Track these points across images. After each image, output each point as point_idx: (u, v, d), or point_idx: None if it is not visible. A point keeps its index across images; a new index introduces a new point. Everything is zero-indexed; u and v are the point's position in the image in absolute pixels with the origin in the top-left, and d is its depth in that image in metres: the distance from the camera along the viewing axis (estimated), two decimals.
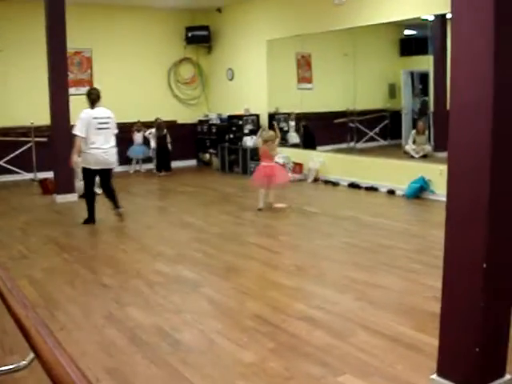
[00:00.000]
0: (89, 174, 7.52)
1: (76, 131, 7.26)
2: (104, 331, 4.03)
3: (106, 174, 7.59)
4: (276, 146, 8.37)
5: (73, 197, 9.22)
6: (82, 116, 7.30)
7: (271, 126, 8.91)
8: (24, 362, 1.72)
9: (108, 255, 6.16)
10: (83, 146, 7.26)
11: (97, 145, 7.26)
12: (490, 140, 2.67)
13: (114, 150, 7.52)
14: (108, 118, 7.45)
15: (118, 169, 12.53)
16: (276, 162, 8.85)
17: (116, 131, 7.65)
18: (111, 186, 7.68)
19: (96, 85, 12.39)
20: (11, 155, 11.50)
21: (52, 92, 9.22)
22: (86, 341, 3.87)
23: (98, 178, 7.81)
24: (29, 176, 11.63)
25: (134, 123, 12.61)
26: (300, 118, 12.01)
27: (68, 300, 4.71)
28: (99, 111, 7.38)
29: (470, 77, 2.75)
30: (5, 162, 11.51)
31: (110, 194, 7.68)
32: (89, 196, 7.63)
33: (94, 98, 7.43)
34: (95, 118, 7.28)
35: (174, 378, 3.32)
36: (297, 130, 12.11)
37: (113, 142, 7.46)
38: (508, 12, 2.63)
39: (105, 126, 7.34)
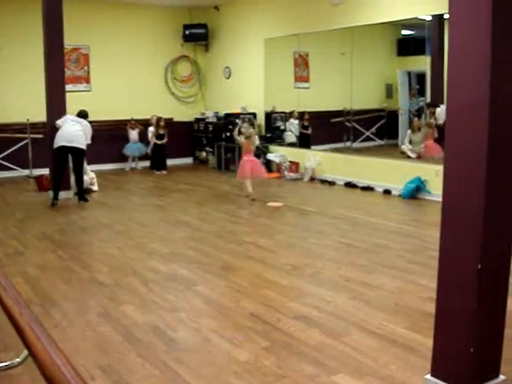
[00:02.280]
0: (56, 154, 8.79)
1: (57, 122, 8.95)
2: (99, 329, 4.02)
3: (74, 156, 8.82)
4: (255, 142, 9.25)
5: (68, 194, 9.20)
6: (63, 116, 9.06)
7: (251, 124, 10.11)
8: (18, 360, 1.71)
9: (103, 253, 6.15)
10: None
11: (62, 127, 8.77)
12: (486, 141, 2.67)
13: (78, 133, 8.75)
14: (81, 121, 8.93)
15: (113, 166, 12.69)
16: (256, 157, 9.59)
17: (88, 140, 8.94)
18: (80, 174, 8.94)
19: (93, 81, 12.48)
20: (7, 152, 11.50)
21: (48, 89, 9.20)
22: (80, 338, 3.86)
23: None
24: (24, 172, 11.62)
25: (128, 121, 12.59)
26: (297, 117, 12.03)
27: (63, 297, 4.70)
28: (76, 117, 9.03)
29: (467, 78, 2.75)
30: (0, 159, 11.49)
31: (78, 181, 8.96)
32: (55, 178, 8.88)
33: (78, 113, 9.11)
34: (71, 120, 8.93)
35: (168, 376, 3.31)
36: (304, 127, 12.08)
37: (79, 130, 8.78)
38: (505, 12, 2.64)
39: (75, 122, 8.87)
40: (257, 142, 9.36)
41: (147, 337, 3.87)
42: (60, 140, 8.67)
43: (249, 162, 9.12)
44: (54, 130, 8.85)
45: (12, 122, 11.40)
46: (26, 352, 1.50)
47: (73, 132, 8.71)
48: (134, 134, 12.65)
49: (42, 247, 6.39)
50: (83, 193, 9.05)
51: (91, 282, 5.12)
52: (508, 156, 2.79)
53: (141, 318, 4.21)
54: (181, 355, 3.58)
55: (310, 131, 11.92)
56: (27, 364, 1.69)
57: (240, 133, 9.48)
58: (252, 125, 10.34)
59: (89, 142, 8.97)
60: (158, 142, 12.24)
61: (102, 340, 3.83)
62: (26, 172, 11.59)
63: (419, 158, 9.76)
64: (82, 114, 9.12)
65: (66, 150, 8.71)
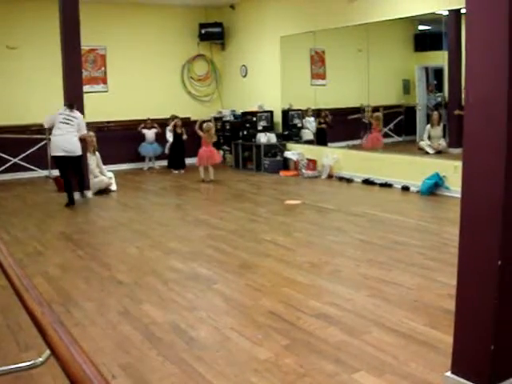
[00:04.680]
0: (57, 162, 8.89)
1: (44, 123, 9.18)
2: (119, 328, 4.05)
3: (72, 163, 8.83)
4: (213, 135, 11.03)
5: (87, 194, 9.27)
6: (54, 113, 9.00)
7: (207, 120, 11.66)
8: (40, 359, 1.73)
9: (122, 252, 6.19)
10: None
11: (56, 133, 8.73)
12: (505, 135, 2.65)
13: (72, 139, 8.74)
14: (73, 117, 8.85)
15: (131, 166, 12.76)
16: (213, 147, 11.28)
17: (83, 132, 8.97)
18: (82, 175, 9.12)
19: (110, 82, 12.56)
20: (26, 152, 11.61)
21: (66, 90, 9.28)
22: (101, 337, 3.89)
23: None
24: (44, 173, 11.72)
25: (143, 121, 12.63)
26: (314, 114, 12.03)
27: (83, 296, 4.74)
28: (67, 111, 8.88)
29: (485, 72, 2.73)
30: (20, 160, 11.60)
31: (80, 181, 9.10)
32: (65, 182, 8.89)
33: (67, 104, 9.01)
34: (60, 114, 8.84)
35: (188, 374, 3.33)
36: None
37: (72, 134, 8.75)
38: None
39: (67, 121, 8.78)
40: (214, 137, 11.25)
41: (167, 335, 3.89)
42: (58, 149, 8.70)
43: (206, 151, 10.86)
44: None
45: (30, 123, 11.50)
46: (48, 352, 1.51)
47: (68, 140, 8.70)
48: (149, 134, 12.67)
49: (62, 247, 6.45)
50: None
51: (111, 282, 5.15)
52: None
53: (161, 317, 4.23)
54: (201, 354, 3.59)
55: (326, 125, 11.89)
56: (48, 363, 1.71)
57: (201, 127, 10.96)
58: (210, 121, 11.72)
59: (84, 131, 9.00)
60: (174, 132, 12.27)
61: (123, 339, 3.85)
62: (45, 173, 11.69)
63: (438, 153, 9.71)
64: (70, 105, 8.99)
65: (64, 157, 8.76)
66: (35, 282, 4.35)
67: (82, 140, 8.98)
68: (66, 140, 8.69)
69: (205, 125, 11.04)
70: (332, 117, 11.84)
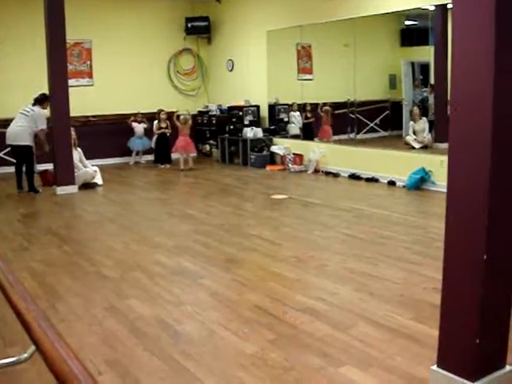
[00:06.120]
0: (11, 150, 9.56)
1: None
2: (105, 323, 4.03)
3: (18, 152, 9.24)
4: (189, 126, 11.89)
5: (73, 188, 9.23)
6: None
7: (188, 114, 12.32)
8: (25, 355, 1.71)
9: (108, 247, 6.15)
10: None
11: (11, 124, 9.23)
12: (490, 131, 2.66)
13: (18, 129, 9.07)
14: (31, 110, 9.16)
15: (117, 160, 12.69)
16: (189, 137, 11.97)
17: (39, 127, 9.13)
18: (29, 169, 9.29)
19: (95, 76, 12.48)
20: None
21: (52, 84, 9.20)
22: (86, 333, 3.87)
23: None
24: None
25: (133, 114, 12.54)
26: (300, 109, 12.03)
27: (68, 292, 4.72)
28: (28, 107, 9.26)
29: (471, 68, 2.74)
30: (4, 154, 11.50)
31: (29, 175, 9.28)
32: (16, 170, 9.47)
33: (35, 98, 9.29)
34: (21, 112, 9.26)
35: (174, 369, 3.32)
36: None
37: (19, 124, 9.07)
38: (509, 1, 2.62)
39: (23, 113, 9.19)
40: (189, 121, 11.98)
41: (153, 330, 3.88)
42: (6, 138, 9.21)
43: (183, 140, 11.56)
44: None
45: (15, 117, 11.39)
46: (33, 347, 1.50)
47: (14, 129, 9.10)
48: (139, 128, 12.59)
49: (47, 242, 6.40)
50: (33, 185, 9.38)
51: (97, 277, 5.13)
52: None
53: (147, 312, 4.22)
54: (187, 348, 3.59)
55: (312, 120, 11.92)
56: (33, 358, 1.70)
57: (178, 118, 11.79)
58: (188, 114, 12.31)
59: (43, 127, 9.16)
60: (159, 132, 12.23)
61: (109, 334, 3.84)
62: None
63: (424, 148, 9.74)
64: (36, 99, 9.29)
65: (13, 147, 9.29)
66: (20, 277, 4.32)
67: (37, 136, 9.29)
68: (12, 129, 9.12)
69: (182, 116, 11.80)
70: (314, 112, 11.89)
